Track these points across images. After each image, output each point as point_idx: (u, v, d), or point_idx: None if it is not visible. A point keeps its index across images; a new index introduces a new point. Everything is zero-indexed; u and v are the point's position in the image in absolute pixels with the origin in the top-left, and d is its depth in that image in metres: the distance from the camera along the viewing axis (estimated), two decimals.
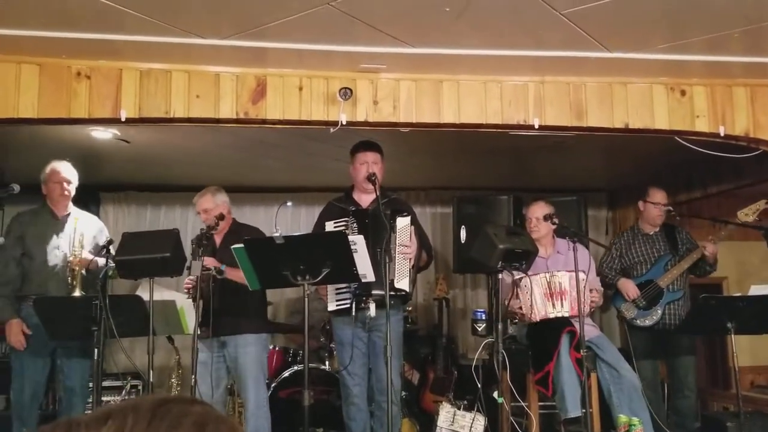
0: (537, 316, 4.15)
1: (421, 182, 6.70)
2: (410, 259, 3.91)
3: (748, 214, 4.56)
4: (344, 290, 3.98)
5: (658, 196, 4.94)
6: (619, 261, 4.99)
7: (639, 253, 4.96)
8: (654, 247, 4.96)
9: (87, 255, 4.20)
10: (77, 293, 4.02)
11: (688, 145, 4.02)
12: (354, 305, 3.93)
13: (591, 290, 4.16)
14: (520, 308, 4.16)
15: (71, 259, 4.13)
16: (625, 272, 4.95)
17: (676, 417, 4.81)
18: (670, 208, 4.82)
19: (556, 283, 4.19)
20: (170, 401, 0.63)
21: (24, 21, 3.21)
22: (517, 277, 3.98)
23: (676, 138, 3.98)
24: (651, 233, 5.00)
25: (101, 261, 4.16)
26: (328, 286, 4.00)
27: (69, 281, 4.11)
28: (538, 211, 4.44)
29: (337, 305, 4.01)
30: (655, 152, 5.09)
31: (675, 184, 6.06)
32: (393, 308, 3.97)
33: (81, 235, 4.24)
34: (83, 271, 4.13)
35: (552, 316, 4.16)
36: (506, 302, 3.96)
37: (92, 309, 3.58)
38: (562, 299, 4.18)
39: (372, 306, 3.85)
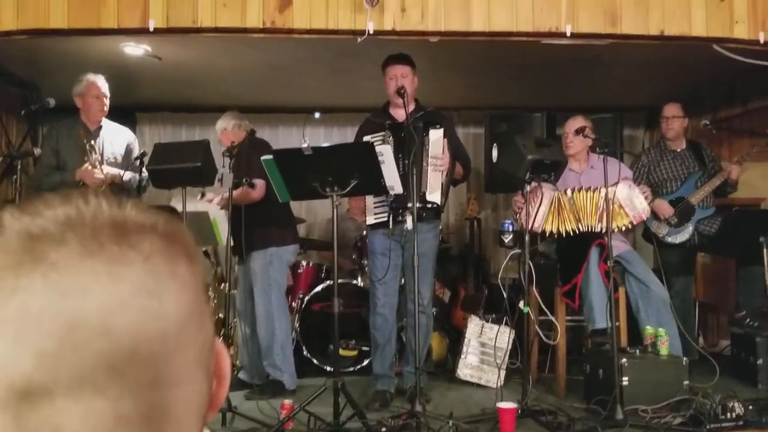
0: (530, 225, 4.01)
1: (454, 102, 6.62)
2: (442, 171, 3.92)
3: None
4: (381, 204, 4.03)
5: (665, 109, 4.90)
6: (647, 178, 4.92)
7: (668, 170, 4.90)
8: (683, 164, 4.89)
9: (111, 169, 4.28)
10: None
11: (726, 53, 3.88)
12: (391, 218, 3.99)
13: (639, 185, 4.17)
14: (520, 209, 4.05)
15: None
16: (653, 189, 4.88)
17: None
18: (706, 122, 4.72)
19: (594, 199, 4.11)
20: None
21: None
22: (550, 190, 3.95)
23: (714, 46, 3.84)
24: (678, 150, 4.93)
25: (127, 175, 4.27)
26: (367, 200, 4.07)
27: None
28: (572, 124, 4.38)
29: (375, 219, 4.07)
30: (694, 65, 4.93)
31: (715, 100, 5.89)
32: (426, 221, 4.02)
33: (111, 150, 4.34)
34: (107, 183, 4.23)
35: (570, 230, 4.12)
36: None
37: None
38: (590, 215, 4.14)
39: (409, 218, 3.90)
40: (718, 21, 3.74)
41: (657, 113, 5.72)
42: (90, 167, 4.13)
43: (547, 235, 4.17)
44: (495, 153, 5.74)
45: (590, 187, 4.13)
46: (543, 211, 4.05)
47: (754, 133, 4.69)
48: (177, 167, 3.55)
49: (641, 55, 4.70)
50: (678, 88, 5.55)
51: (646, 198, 4.15)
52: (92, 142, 4.18)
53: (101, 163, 4.18)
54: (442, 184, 3.95)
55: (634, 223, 4.13)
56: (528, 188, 3.81)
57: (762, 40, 3.70)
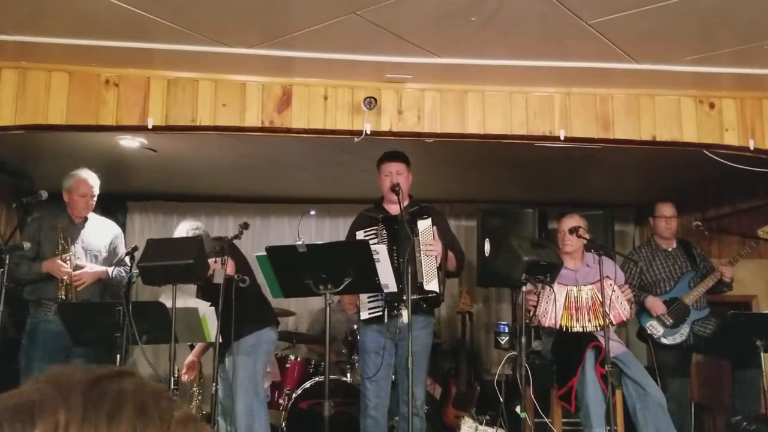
0: (547, 321, 4.10)
1: (446, 195, 6.68)
2: (436, 257, 3.88)
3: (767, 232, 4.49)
4: (376, 299, 3.97)
5: (663, 209, 4.91)
6: (639, 278, 4.90)
7: (661, 270, 4.88)
8: (676, 263, 4.88)
9: (98, 267, 4.24)
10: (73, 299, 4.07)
11: (717, 159, 3.96)
12: (386, 312, 3.92)
13: (621, 287, 4.13)
14: (534, 307, 4.08)
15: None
16: (646, 289, 4.86)
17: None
18: (699, 223, 4.75)
19: (580, 298, 4.14)
20: (102, 379, 0.59)
21: (54, 29, 3.26)
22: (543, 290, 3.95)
23: (705, 152, 3.92)
24: (670, 249, 4.93)
25: (113, 271, 4.22)
26: (361, 296, 4.00)
27: (60, 291, 4.09)
28: (567, 223, 4.39)
29: (369, 314, 3.99)
30: (684, 167, 5.02)
31: (704, 199, 5.98)
32: (424, 315, 3.95)
33: (95, 244, 4.31)
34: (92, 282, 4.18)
35: (563, 326, 4.11)
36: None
37: (115, 315, 3.60)
38: (586, 313, 4.14)
39: (404, 312, 3.81)
40: (708, 128, 3.83)
41: (646, 209, 5.82)
42: (59, 260, 4.08)
43: (564, 330, 4.14)
44: (487, 247, 5.74)
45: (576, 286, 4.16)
46: (559, 306, 4.05)
47: (744, 235, 4.72)
48: (169, 264, 3.50)
49: (632, 157, 4.79)
50: (667, 186, 5.64)
51: (627, 300, 4.16)
52: (65, 235, 4.14)
53: (71, 258, 4.13)
54: (438, 271, 3.91)
55: (614, 323, 4.12)
56: (525, 289, 3.80)
57: (752, 147, 3.78)
